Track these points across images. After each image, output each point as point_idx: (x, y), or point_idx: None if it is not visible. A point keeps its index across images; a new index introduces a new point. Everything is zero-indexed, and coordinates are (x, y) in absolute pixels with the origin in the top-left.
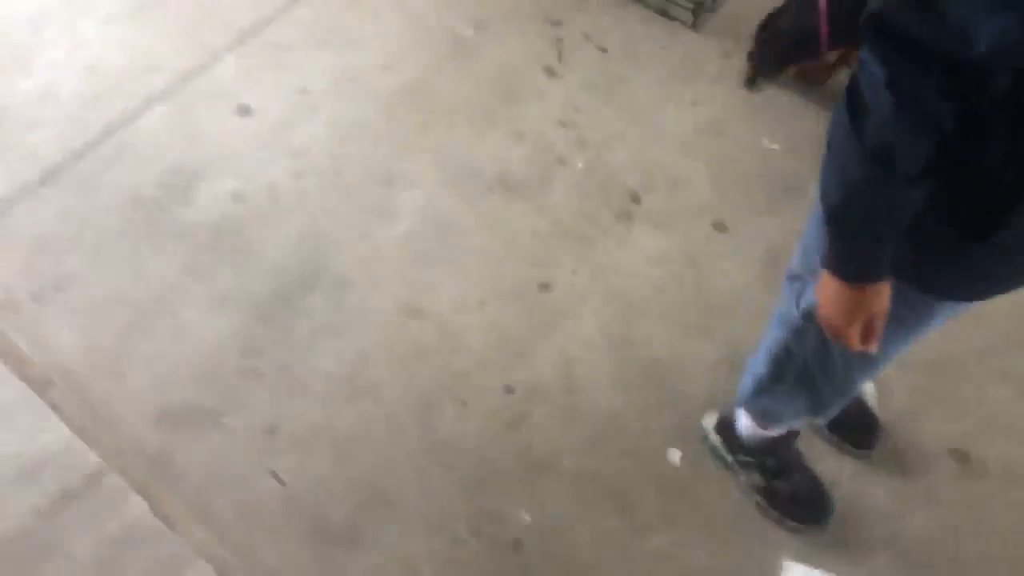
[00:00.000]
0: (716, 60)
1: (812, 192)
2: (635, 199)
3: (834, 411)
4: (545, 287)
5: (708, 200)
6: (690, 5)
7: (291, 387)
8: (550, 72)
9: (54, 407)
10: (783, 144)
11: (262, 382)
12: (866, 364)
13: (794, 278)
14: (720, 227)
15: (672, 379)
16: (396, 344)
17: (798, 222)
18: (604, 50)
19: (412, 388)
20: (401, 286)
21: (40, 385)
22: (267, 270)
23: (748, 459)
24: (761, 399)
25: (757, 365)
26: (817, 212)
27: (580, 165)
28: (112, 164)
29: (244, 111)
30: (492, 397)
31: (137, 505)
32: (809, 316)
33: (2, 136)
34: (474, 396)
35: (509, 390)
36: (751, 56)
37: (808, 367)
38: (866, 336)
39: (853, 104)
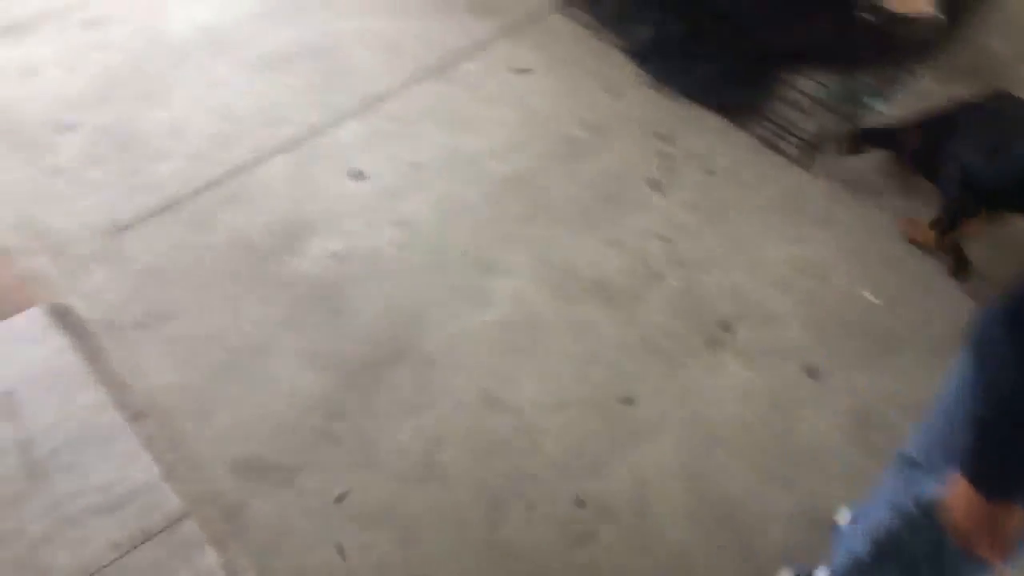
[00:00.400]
0: (821, 202)
1: (908, 354)
2: (726, 328)
3: None
4: (627, 401)
5: (800, 342)
6: (799, 143)
7: (366, 458)
8: (655, 185)
9: (145, 441)
10: (884, 299)
11: (339, 447)
12: (981, 570)
13: (910, 463)
14: (811, 372)
15: (746, 525)
16: (473, 432)
17: (891, 383)
18: (710, 172)
19: (483, 480)
20: (485, 374)
21: (134, 415)
22: (360, 335)
23: None
24: None
25: (855, 542)
26: (950, 408)
27: (675, 283)
28: (229, 205)
29: (358, 175)
30: (561, 507)
31: (210, 558)
32: (928, 512)
33: (130, 160)
34: (543, 502)
35: (579, 503)
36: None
37: (916, 561)
38: (997, 549)
39: (1014, 322)
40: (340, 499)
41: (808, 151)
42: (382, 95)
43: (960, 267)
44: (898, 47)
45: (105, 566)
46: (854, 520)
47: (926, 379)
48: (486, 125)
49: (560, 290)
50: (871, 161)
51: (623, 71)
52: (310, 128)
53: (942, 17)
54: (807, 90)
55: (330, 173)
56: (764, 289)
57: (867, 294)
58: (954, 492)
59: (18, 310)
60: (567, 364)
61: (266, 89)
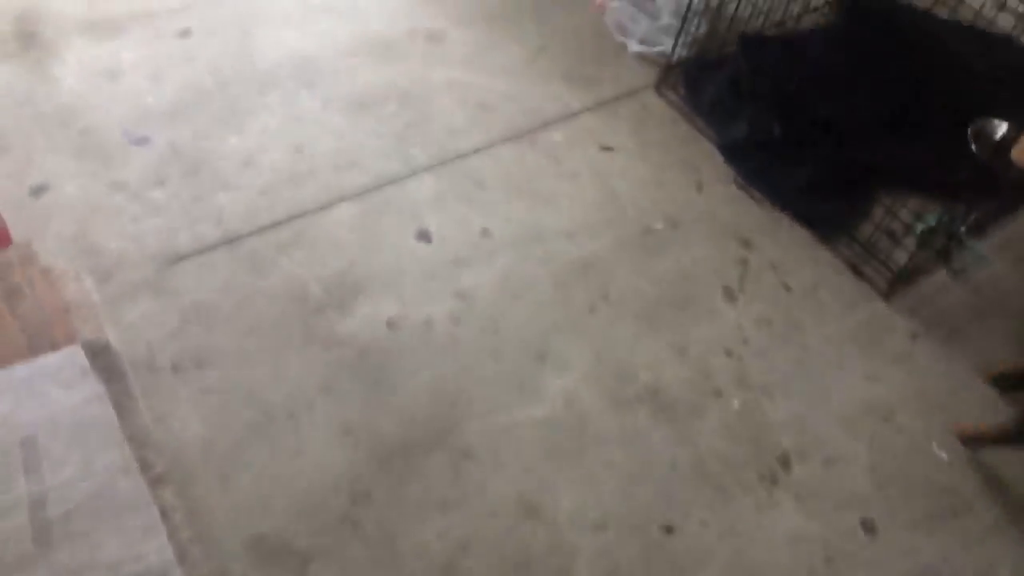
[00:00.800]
0: (902, 338)
1: (974, 522)
2: (785, 464)
3: None
4: (670, 530)
5: (862, 492)
6: (886, 272)
7: (387, 555)
8: (728, 293)
9: (162, 513)
10: (954, 457)
11: (360, 538)
12: None
13: None
14: (869, 527)
15: None
16: (503, 541)
17: (953, 552)
18: (788, 288)
19: None
20: (525, 477)
21: (155, 480)
22: (399, 413)
23: None
24: None
25: None
26: None
27: (736, 405)
28: (288, 250)
29: (424, 236)
30: None
31: None
32: None
33: (196, 186)
34: None
35: None
36: None
37: None
38: None
39: None
40: None
41: (894, 281)
42: (463, 152)
43: None
44: (1005, 188)
45: None
46: None
47: (990, 553)
48: (563, 201)
49: (614, 393)
50: (956, 299)
51: (710, 164)
52: (384, 178)
53: None
54: (902, 217)
55: (396, 229)
56: (829, 426)
57: (935, 446)
58: None
59: (57, 341)
60: (611, 478)
61: (346, 130)
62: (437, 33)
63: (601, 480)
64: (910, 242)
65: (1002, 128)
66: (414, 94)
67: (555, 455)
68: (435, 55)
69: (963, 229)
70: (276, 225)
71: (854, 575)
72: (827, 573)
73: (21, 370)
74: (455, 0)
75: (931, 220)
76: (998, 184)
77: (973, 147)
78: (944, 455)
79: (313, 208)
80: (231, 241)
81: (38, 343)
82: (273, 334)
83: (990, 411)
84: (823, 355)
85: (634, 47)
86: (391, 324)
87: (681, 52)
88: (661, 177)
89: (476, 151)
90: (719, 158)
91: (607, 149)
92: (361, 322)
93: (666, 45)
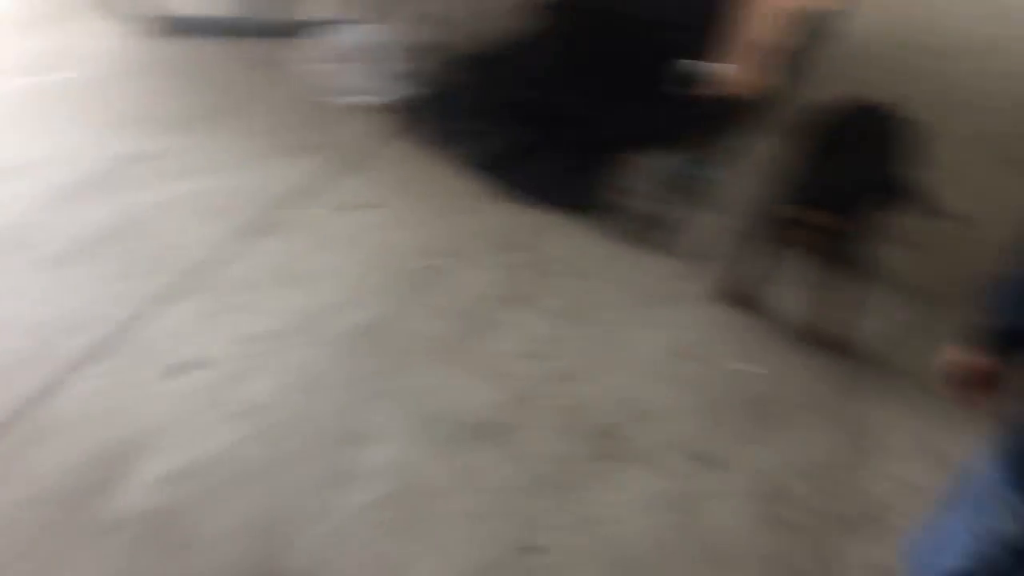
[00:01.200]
0: (679, 281)
1: (800, 418)
2: (610, 435)
3: None
4: (537, 550)
5: (690, 432)
6: (650, 229)
7: None
8: (514, 300)
9: None
10: (760, 367)
11: None
12: None
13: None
14: (707, 461)
15: None
16: None
17: (789, 452)
18: (572, 275)
19: None
20: (374, 570)
21: None
22: (216, 567)
23: None
24: None
25: None
26: None
27: (548, 402)
28: (28, 449)
29: (184, 368)
30: None
31: None
32: None
33: None
34: None
35: None
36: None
37: None
38: None
39: None
40: None
41: (662, 235)
42: (203, 266)
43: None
44: (719, 116)
45: None
46: None
47: (821, 440)
48: (328, 275)
49: (434, 442)
50: (715, 228)
51: (470, 187)
52: (123, 324)
53: (777, 84)
54: (647, 174)
55: (151, 374)
56: (641, 384)
57: (742, 364)
58: None
59: None
60: (463, 527)
61: (67, 289)
62: (145, 150)
63: (451, 534)
64: (663, 195)
65: (696, 66)
66: (130, 224)
67: (396, 532)
68: (139, 177)
69: (703, 166)
70: (5, 427)
71: (711, 510)
72: (690, 520)
73: None
74: (155, 111)
75: (672, 169)
76: (714, 114)
77: (677, 91)
78: (753, 369)
79: (44, 391)
80: None
81: None
82: (43, 548)
83: (774, 331)
84: (618, 323)
85: (355, 101)
86: (175, 478)
87: (404, 93)
88: (423, 216)
89: (218, 259)
90: (476, 179)
91: (359, 207)
92: (140, 491)
93: (388, 90)
